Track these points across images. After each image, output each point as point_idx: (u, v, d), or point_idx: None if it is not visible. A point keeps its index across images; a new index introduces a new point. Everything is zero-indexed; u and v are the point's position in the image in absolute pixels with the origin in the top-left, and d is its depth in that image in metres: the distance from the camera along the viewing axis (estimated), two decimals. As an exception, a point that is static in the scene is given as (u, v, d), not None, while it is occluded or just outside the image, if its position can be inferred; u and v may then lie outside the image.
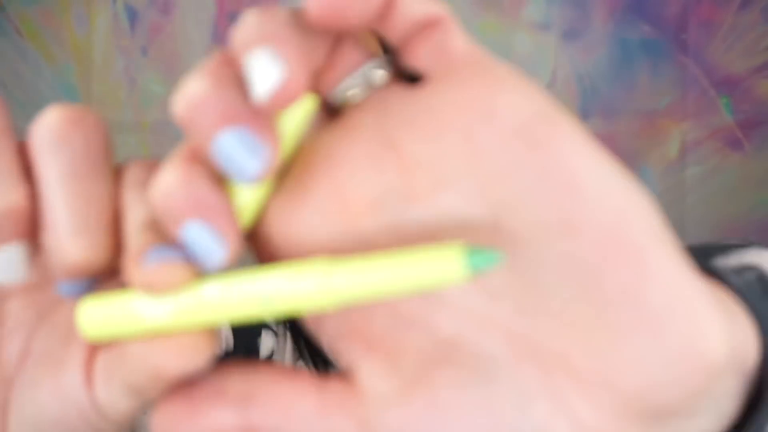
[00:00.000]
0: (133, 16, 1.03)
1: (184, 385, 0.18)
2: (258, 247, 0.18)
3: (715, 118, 0.93)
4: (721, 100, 0.93)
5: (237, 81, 0.16)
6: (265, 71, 0.15)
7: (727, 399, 0.16)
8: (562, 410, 0.16)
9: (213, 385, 0.18)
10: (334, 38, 0.17)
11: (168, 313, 0.17)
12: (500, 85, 0.16)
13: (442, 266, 0.14)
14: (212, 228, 0.16)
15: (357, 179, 0.17)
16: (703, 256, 0.18)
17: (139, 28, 1.03)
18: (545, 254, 0.15)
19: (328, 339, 0.18)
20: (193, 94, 0.16)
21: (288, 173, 0.18)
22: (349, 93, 0.18)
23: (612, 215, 0.15)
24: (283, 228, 0.18)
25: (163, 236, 0.17)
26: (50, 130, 0.18)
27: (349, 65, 0.18)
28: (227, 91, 0.16)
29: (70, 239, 0.18)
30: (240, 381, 0.18)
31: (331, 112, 0.18)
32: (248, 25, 0.16)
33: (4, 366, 0.21)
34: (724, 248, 0.20)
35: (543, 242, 0.15)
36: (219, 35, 1.01)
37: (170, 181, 0.16)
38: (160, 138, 1.02)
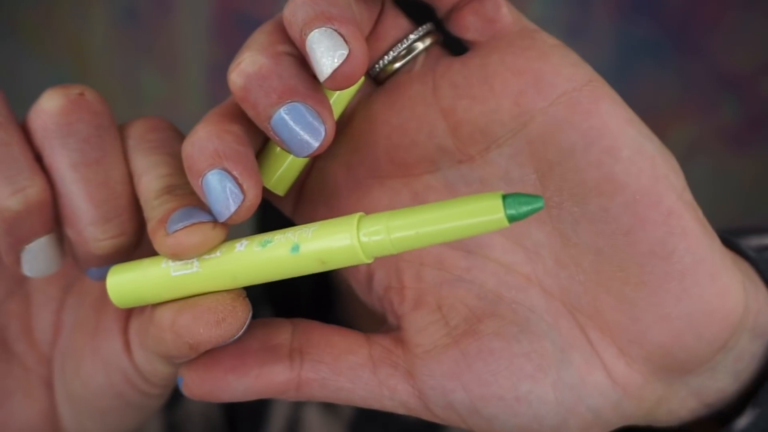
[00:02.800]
0: (131, 14, 1.02)
1: (231, 344, 0.18)
2: (308, 210, 0.19)
3: (719, 117, 0.93)
4: (725, 99, 0.92)
5: (294, 57, 0.16)
6: (330, 51, 0.15)
7: (745, 360, 0.17)
8: (596, 362, 0.17)
9: (262, 342, 0.18)
10: (378, 9, 0.18)
11: (197, 276, 0.16)
12: (548, 54, 0.17)
13: (484, 213, 0.14)
14: (231, 177, 0.16)
15: (411, 142, 0.18)
16: (724, 236, 0.19)
17: (138, 27, 1.02)
18: (583, 212, 0.17)
19: (377, 295, 0.19)
20: (253, 68, 0.16)
21: (340, 140, 0.19)
22: (394, 63, 0.18)
23: (647, 177, 0.16)
24: (339, 189, 0.19)
25: (182, 200, 0.17)
26: (53, 118, 0.17)
27: (392, 36, 0.18)
28: (287, 67, 0.16)
29: (95, 230, 0.17)
30: (289, 337, 0.18)
31: (375, 80, 0.19)
32: (304, 3, 0.16)
33: (40, 343, 0.21)
34: (745, 231, 0.21)
35: (582, 201, 0.16)
36: (218, 34, 1.01)
37: (200, 135, 0.16)
38: (160, 138, 1.01)
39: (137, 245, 0.19)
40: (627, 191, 0.16)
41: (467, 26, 0.18)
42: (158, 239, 0.16)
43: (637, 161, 0.16)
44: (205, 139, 0.16)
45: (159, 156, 0.18)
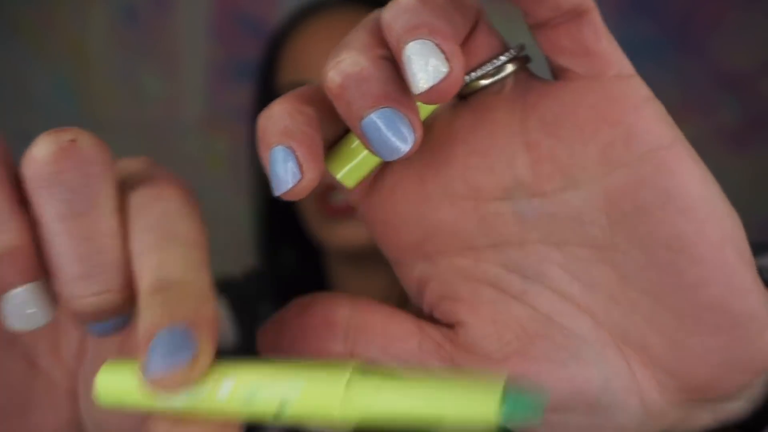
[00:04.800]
0: (131, 14, 1.02)
1: (294, 314, 0.19)
2: (374, 209, 0.19)
3: (718, 118, 0.93)
4: (725, 99, 0.92)
5: (390, 61, 0.16)
6: (429, 66, 0.15)
7: (761, 386, 0.19)
8: (635, 390, 0.18)
9: (322, 316, 0.19)
10: (473, 22, 0.18)
11: (183, 402, 0.15)
12: (642, 108, 0.17)
13: (477, 401, 0.13)
14: (294, 156, 0.16)
15: (489, 168, 0.18)
16: None
17: (137, 26, 1.02)
18: (649, 262, 0.17)
19: (428, 303, 0.19)
20: (354, 69, 0.16)
21: (417, 150, 0.19)
22: (480, 80, 0.18)
23: (716, 238, 0.17)
24: (408, 199, 0.19)
25: (174, 308, 0.15)
26: (41, 166, 0.16)
27: (482, 53, 0.18)
28: (385, 71, 0.16)
29: (79, 286, 0.16)
30: (348, 314, 0.19)
31: (457, 94, 0.19)
32: (406, 9, 0.16)
33: (66, 358, 0.21)
34: (756, 247, 0.21)
35: (649, 251, 0.17)
36: (218, 34, 1.01)
37: (275, 110, 0.17)
38: (158, 137, 1.01)
39: (130, 300, 0.17)
40: (696, 249, 0.17)
41: (561, 50, 0.17)
42: (140, 364, 0.15)
43: (709, 222, 0.17)
44: (278, 116, 0.17)
45: (158, 240, 0.16)
